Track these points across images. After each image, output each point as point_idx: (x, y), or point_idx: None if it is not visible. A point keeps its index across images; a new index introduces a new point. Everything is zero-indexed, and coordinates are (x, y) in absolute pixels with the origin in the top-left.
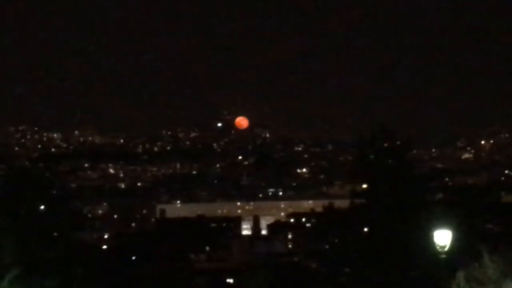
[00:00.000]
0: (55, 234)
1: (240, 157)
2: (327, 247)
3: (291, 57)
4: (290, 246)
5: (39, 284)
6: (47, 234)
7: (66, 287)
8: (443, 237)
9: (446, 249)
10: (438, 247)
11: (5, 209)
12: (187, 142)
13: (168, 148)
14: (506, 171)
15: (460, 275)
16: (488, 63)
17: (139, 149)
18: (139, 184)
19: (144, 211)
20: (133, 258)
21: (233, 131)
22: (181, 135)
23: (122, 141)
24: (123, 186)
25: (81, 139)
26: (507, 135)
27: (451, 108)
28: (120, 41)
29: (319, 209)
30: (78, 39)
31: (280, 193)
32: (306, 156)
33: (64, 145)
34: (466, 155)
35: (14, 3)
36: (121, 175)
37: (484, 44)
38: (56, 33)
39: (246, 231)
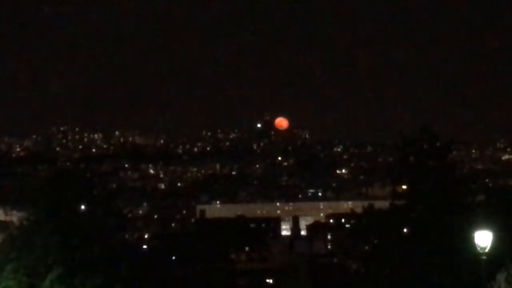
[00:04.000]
0: (97, 234)
1: (280, 158)
2: (367, 248)
3: (331, 58)
4: (329, 246)
5: (81, 284)
6: (89, 234)
7: (108, 287)
8: (484, 239)
9: (486, 250)
10: (478, 249)
11: (48, 210)
12: (227, 143)
13: (208, 149)
14: None
15: (501, 277)
16: None
17: (179, 150)
18: (179, 184)
19: (184, 212)
20: (174, 258)
21: (273, 132)
22: (221, 136)
23: (162, 142)
24: (163, 186)
25: (122, 139)
26: None
27: (491, 109)
28: (160, 42)
29: (358, 210)
30: (120, 41)
31: (320, 194)
32: (345, 157)
33: (105, 146)
34: (507, 156)
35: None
36: (162, 175)
37: None
38: (101, 34)
39: (285, 231)
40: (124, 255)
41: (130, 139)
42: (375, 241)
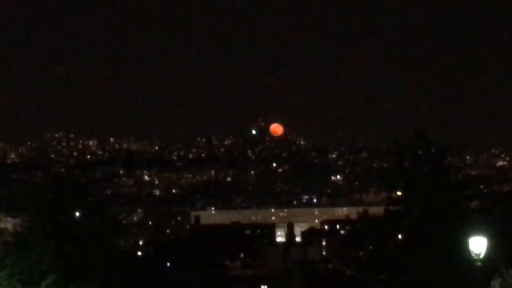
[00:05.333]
0: (92, 241)
1: (274, 164)
2: (362, 254)
3: (325, 64)
4: (324, 253)
5: None
6: (84, 240)
7: None
8: (478, 245)
9: (481, 256)
10: (473, 255)
11: (43, 216)
12: (222, 149)
13: (203, 155)
14: None
15: (496, 283)
16: None
17: (174, 156)
18: (174, 191)
19: (179, 218)
20: (168, 264)
21: (267, 138)
22: (216, 142)
23: (157, 148)
24: (158, 193)
25: (117, 146)
26: None
27: (486, 115)
28: (155, 47)
29: (353, 216)
30: (115, 46)
31: (315, 200)
32: (340, 163)
33: (100, 152)
34: (501, 162)
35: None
36: (156, 182)
37: None
38: (93, 40)
39: (280, 238)
40: (118, 261)
41: (125, 145)
42: (370, 247)
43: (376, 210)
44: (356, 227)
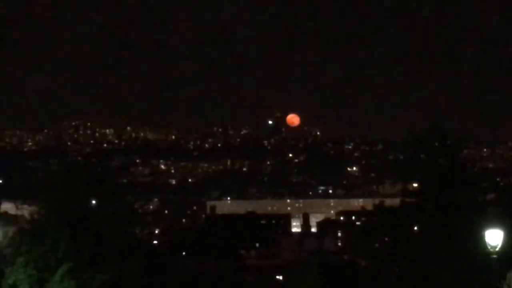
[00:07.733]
0: (108, 229)
1: (290, 155)
2: (377, 245)
3: (342, 56)
4: (339, 244)
5: (91, 278)
6: (99, 229)
7: (118, 281)
8: (494, 237)
9: (497, 249)
10: (489, 247)
11: (59, 204)
12: (238, 139)
13: (219, 145)
14: None
15: (511, 276)
16: None
17: (191, 145)
18: (190, 180)
19: (195, 207)
20: (183, 253)
21: (284, 129)
22: (232, 132)
23: (173, 137)
24: (174, 182)
25: (133, 135)
26: None
27: (503, 107)
28: (172, 39)
29: (369, 207)
30: (132, 37)
31: (330, 191)
32: (356, 154)
33: (116, 141)
34: None
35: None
36: (172, 171)
37: None
38: (113, 31)
39: (295, 228)
40: (134, 250)
41: (142, 134)
42: (385, 239)
43: (392, 202)
44: (372, 219)
